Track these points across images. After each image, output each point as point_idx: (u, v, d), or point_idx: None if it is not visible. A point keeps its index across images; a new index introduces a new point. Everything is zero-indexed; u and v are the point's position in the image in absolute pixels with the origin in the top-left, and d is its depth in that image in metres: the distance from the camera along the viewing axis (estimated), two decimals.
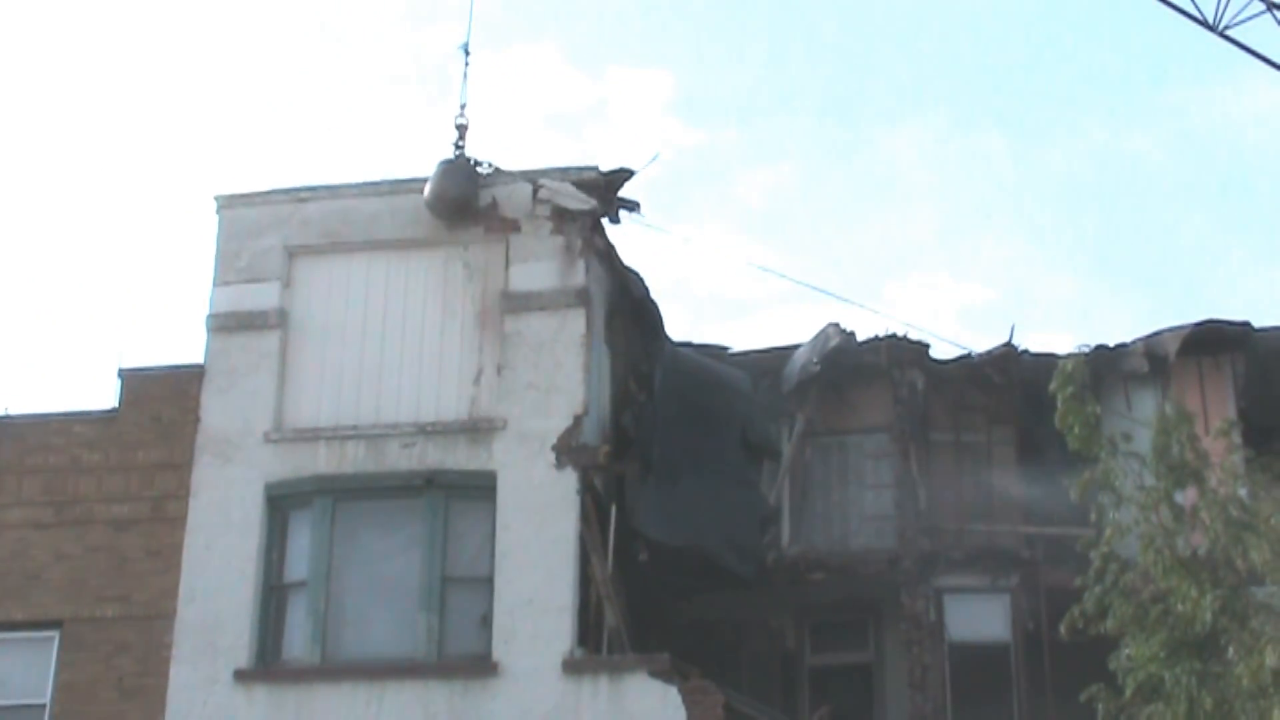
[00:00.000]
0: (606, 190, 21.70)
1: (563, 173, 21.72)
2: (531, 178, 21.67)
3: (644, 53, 55.42)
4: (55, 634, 20.71)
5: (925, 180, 53.37)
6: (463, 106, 22.42)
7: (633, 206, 21.84)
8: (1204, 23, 20.09)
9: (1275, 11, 19.83)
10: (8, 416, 22.00)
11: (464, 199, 21.62)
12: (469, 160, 21.92)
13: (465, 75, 22.71)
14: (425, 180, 21.90)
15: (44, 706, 20.46)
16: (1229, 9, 20.11)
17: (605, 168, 21.80)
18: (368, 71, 54.70)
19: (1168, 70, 54.63)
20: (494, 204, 21.71)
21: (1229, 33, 20.12)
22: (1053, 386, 16.33)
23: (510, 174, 21.70)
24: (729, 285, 57.24)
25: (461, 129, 22.23)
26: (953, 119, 54.67)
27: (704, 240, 50.78)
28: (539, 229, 21.44)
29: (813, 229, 54.65)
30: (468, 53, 22.82)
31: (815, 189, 55.06)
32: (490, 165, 21.80)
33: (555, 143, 61.47)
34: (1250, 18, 19.91)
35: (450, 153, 22.13)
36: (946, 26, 53.90)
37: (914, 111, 54.42)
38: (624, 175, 21.68)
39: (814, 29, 54.91)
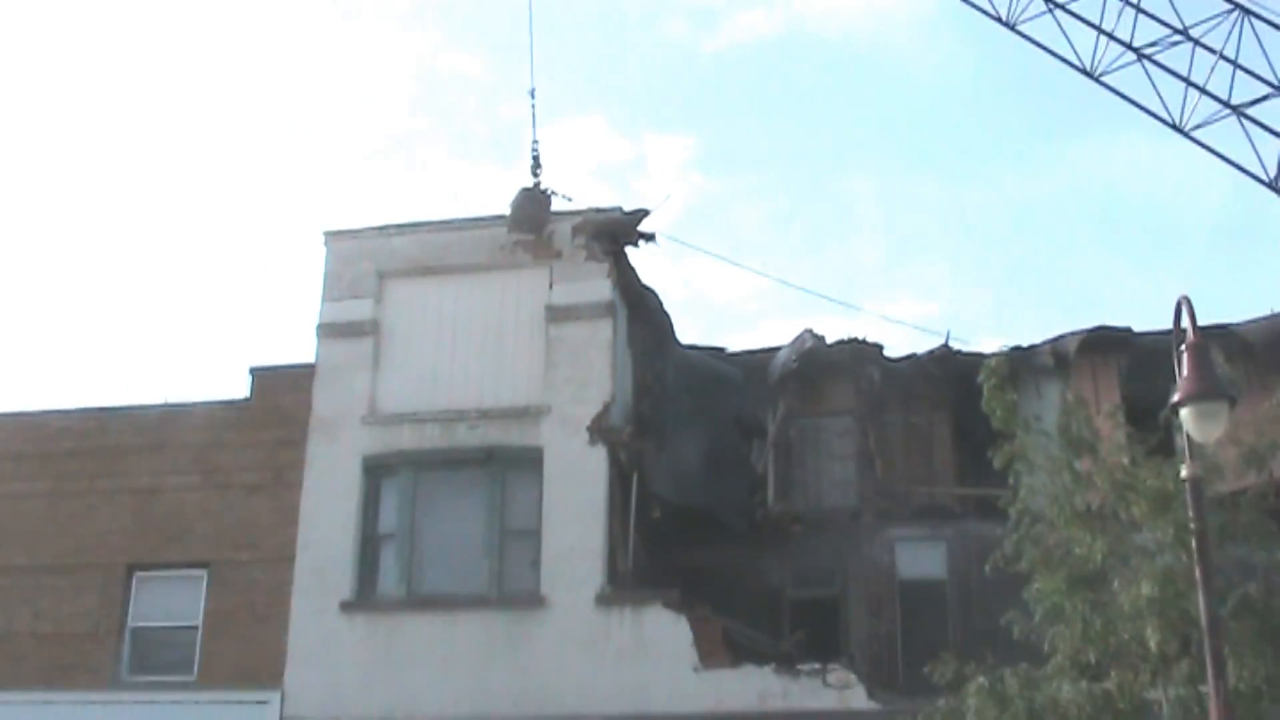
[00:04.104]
0: (628, 225, 22.43)
1: (594, 212, 22.46)
2: (571, 216, 22.46)
3: (672, 120, 60.46)
4: (204, 573, 21.78)
5: (876, 215, 58.34)
6: (535, 143, 22.74)
7: (649, 238, 22.66)
8: (1082, 70, 20.94)
9: (1144, 62, 20.79)
10: (169, 404, 23.14)
11: (535, 216, 21.92)
12: (543, 188, 22.10)
13: (534, 115, 22.96)
14: (490, 220, 22.63)
15: (196, 628, 21.57)
16: (1105, 58, 20.96)
17: (628, 208, 22.57)
18: (449, 136, 59.84)
19: (1062, 127, 58.60)
20: (544, 237, 22.43)
21: (1104, 79, 21.06)
22: (980, 379, 16.40)
23: (555, 214, 22.53)
24: (736, 302, 60.58)
25: (536, 158, 22.44)
26: (898, 166, 59.38)
27: (716, 267, 52.66)
28: (576, 257, 22.23)
29: (793, 255, 59.31)
30: (534, 96, 23.12)
31: (794, 223, 59.37)
32: (566, 197, 22.14)
33: (603, 193, 63.80)
34: (1122, 66, 20.75)
35: (527, 180, 22.69)
36: (890, 92, 59.07)
37: (867, 159, 58.99)
38: (642, 214, 22.53)
39: (796, 97, 59.84)
